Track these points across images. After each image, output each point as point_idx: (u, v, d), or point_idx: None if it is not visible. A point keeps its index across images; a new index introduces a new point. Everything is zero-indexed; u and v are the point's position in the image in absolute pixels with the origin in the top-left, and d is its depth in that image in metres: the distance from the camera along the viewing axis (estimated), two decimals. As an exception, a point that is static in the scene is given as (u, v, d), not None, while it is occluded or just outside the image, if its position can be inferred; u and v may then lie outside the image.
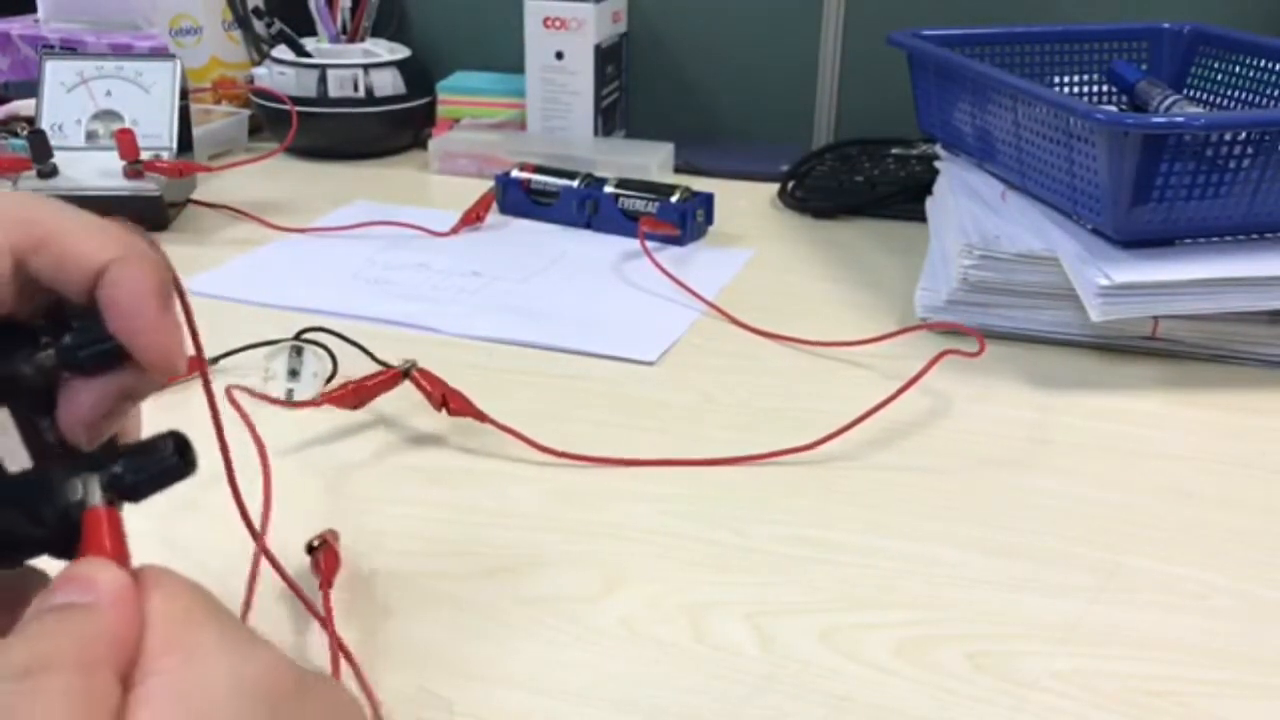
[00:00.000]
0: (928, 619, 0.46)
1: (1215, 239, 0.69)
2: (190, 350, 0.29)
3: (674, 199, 0.88)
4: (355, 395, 0.59)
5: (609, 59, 1.12)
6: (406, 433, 0.60)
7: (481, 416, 0.59)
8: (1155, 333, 0.68)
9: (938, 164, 0.90)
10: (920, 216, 0.88)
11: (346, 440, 0.59)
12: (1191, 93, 0.88)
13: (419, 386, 0.59)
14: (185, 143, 0.91)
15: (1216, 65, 0.86)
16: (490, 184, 0.95)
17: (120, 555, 0.25)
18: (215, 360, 0.65)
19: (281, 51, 1.10)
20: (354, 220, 0.91)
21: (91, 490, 0.27)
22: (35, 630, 0.22)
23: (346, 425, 0.60)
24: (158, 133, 0.89)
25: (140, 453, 0.27)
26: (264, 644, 0.24)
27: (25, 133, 0.91)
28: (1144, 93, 0.84)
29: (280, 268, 0.83)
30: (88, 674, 0.22)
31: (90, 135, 0.89)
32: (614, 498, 0.54)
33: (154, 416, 0.30)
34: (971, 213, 0.76)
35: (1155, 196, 0.64)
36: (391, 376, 0.59)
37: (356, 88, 1.08)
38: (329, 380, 0.63)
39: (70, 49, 1.16)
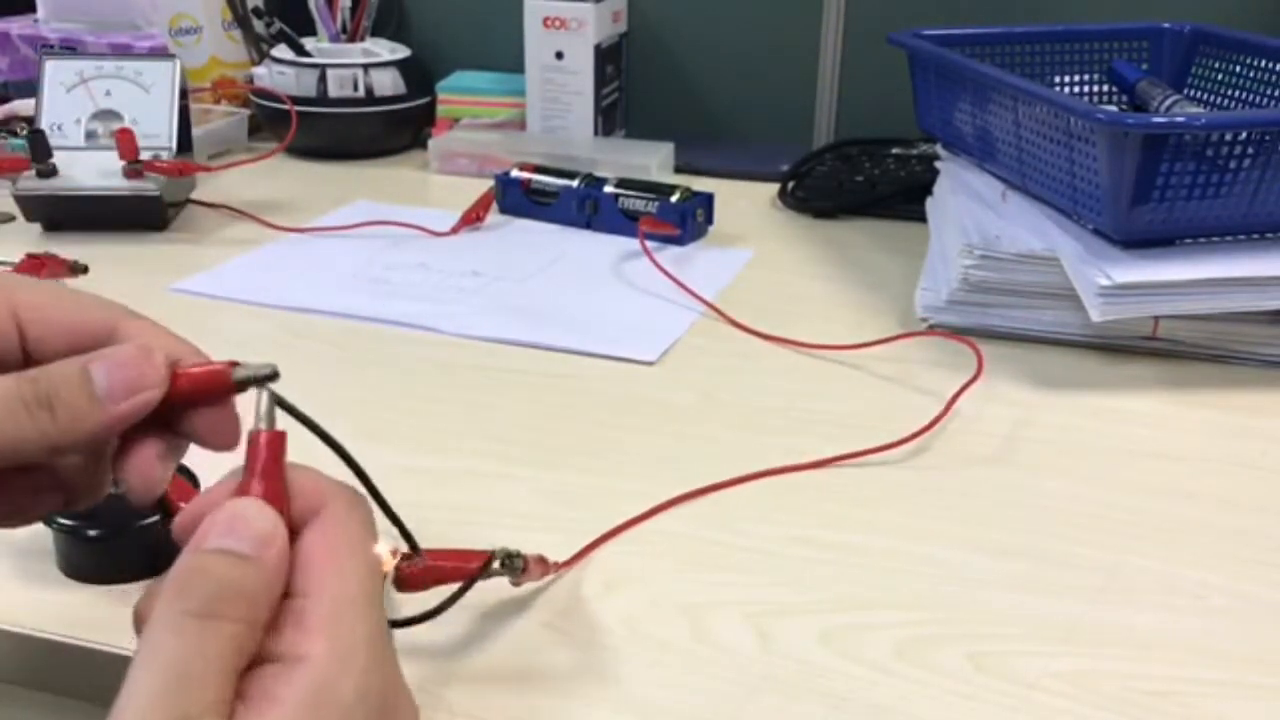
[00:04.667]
0: (928, 619, 0.46)
1: (1215, 239, 0.69)
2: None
3: (674, 199, 0.88)
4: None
5: (609, 59, 1.12)
6: (404, 435, 0.60)
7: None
8: (1155, 333, 0.68)
9: (938, 164, 0.90)
10: (920, 216, 0.88)
11: (343, 442, 0.59)
12: (1192, 93, 0.87)
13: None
14: (185, 142, 0.91)
15: (1216, 65, 0.86)
16: (490, 184, 0.95)
17: (279, 487, 0.28)
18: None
19: (281, 51, 1.10)
20: (354, 220, 0.91)
21: (262, 409, 0.29)
22: (211, 572, 0.26)
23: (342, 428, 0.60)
24: (157, 132, 0.89)
25: None
26: (388, 646, 0.28)
27: (25, 132, 0.91)
28: (1144, 93, 0.84)
29: (280, 268, 0.83)
30: (252, 628, 0.25)
31: (90, 135, 0.89)
32: (613, 498, 0.54)
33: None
34: (971, 213, 0.76)
35: (1155, 196, 0.64)
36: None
37: (356, 87, 1.08)
38: None
39: (70, 49, 1.16)
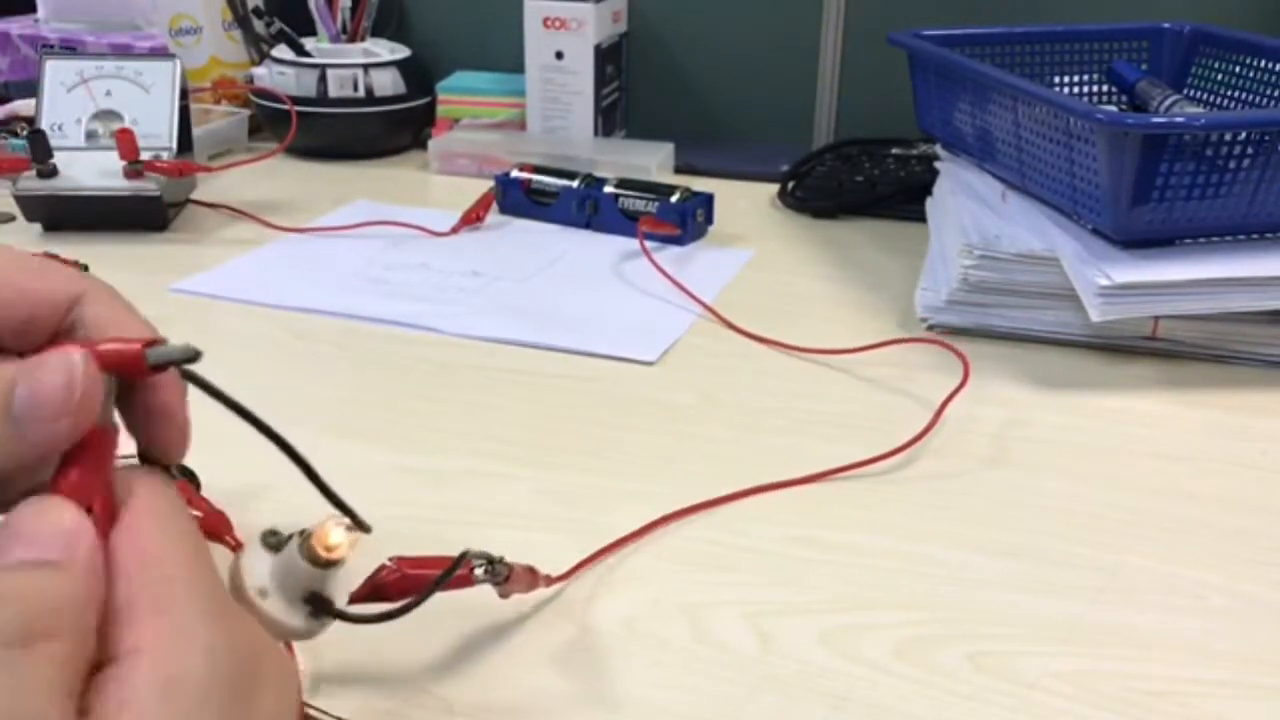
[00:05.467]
0: (928, 619, 0.46)
1: (1215, 239, 0.69)
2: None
3: (674, 199, 0.88)
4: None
5: (609, 59, 1.12)
6: (404, 436, 0.60)
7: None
8: (1155, 333, 0.68)
9: (938, 164, 0.90)
10: (920, 216, 0.88)
11: (344, 442, 0.59)
12: (1191, 93, 0.88)
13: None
14: (185, 143, 0.91)
15: (1216, 65, 0.86)
16: (490, 184, 0.95)
17: (90, 478, 0.25)
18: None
19: (281, 51, 1.10)
20: (354, 220, 0.91)
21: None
22: (22, 591, 0.23)
23: (342, 428, 0.60)
24: (158, 132, 0.89)
25: None
26: (234, 613, 0.25)
27: (25, 133, 0.91)
28: (1144, 93, 0.84)
29: (280, 268, 0.83)
30: (79, 640, 0.23)
31: (90, 135, 0.89)
32: (613, 498, 0.54)
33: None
34: (971, 213, 0.76)
35: (1155, 196, 0.64)
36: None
37: (356, 88, 1.08)
38: None
39: (70, 49, 1.16)
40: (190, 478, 0.49)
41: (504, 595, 0.44)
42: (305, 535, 0.33)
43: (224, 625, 0.24)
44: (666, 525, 0.52)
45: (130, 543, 0.25)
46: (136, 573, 0.24)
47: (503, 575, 0.42)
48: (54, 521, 0.24)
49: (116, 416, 0.28)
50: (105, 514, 0.26)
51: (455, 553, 0.45)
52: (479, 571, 0.42)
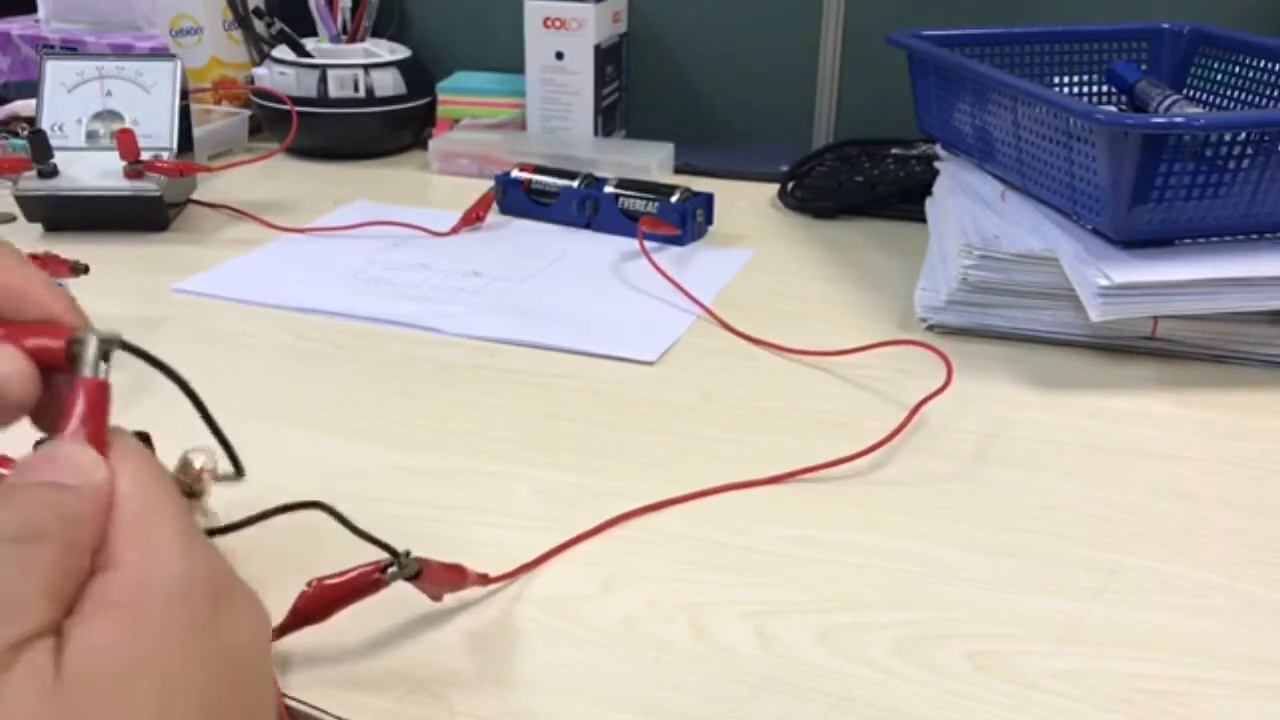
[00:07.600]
0: (928, 619, 0.46)
1: (1215, 239, 0.69)
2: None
3: (674, 199, 0.88)
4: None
5: (609, 59, 1.12)
6: (404, 436, 0.60)
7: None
8: (1155, 333, 0.68)
9: (938, 164, 0.90)
10: (920, 216, 0.88)
11: (344, 441, 0.59)
12: (1191, 93, 0.88)
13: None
14: (185, 143, 0.91)
15: (1216, 65, 0.86)
16: (490, 184, 0.95)
17: (101, 432, 0.28)
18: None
19: (282, 51, 1.10)
20: (354, 220, 0.91)
21: (88, 358, 0.28)
22: (28, 500, 0.26)
23: (342, 428, 0.60)
24: (158, 133, 0.89)
25: None
26: (206, 543, 0.28)
27: (25, 133, 0.91)
28: (1144, 93, 0.84)
29: (280, 268, 0.83)
30: (71, 550, 0.25)
31: (91, 135, 0.89)
32: (613, 498, 0.54)
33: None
34: (971, 213, 0.76)
35: (1155, 197, 0.64)
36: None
37: (357, 88, 1.08)
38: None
39: (71, 49, 1.16)
40: (144, 441, 0.49)
41: (434, 597, 0.44)
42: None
43: (194, 549, 0.27)
44: (663, 524, 0.52)
45: (117, 482, 0.27)
46: (120, 505, 0.27)
47: (412, 570, 0.42)
48: (74, 455, 0.27)
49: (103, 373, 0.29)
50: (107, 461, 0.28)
51: (451, 552, 0.45)
52: (390, 570, 0.42)
